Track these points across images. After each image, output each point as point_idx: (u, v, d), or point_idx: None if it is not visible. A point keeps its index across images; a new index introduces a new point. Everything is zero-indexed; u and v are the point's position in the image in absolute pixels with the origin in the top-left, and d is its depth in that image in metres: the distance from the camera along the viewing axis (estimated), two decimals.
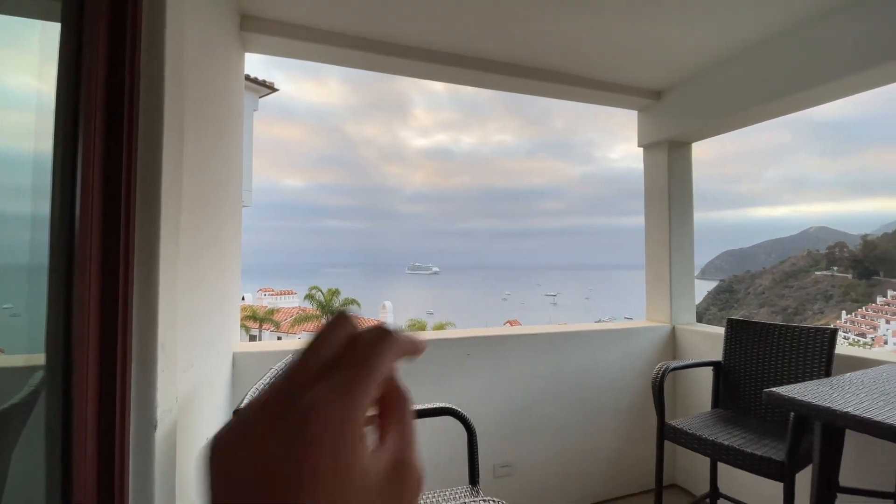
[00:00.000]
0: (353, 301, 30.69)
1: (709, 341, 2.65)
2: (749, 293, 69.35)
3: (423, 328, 24.68)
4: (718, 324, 2.67)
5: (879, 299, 46.24)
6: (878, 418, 1.23)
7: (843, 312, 48.66)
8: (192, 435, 1.26)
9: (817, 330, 1.99)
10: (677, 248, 2.97)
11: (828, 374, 1.90)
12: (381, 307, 37.64)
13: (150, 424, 0.87)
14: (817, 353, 1.95)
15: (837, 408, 1.33)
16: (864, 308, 47.14)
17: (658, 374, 2.03)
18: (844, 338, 41.93)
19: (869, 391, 1.48)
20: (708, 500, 2.28)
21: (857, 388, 1.52)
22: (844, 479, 1.90)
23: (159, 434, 0.90)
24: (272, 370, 1.28)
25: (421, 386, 2.29)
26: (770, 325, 2.17)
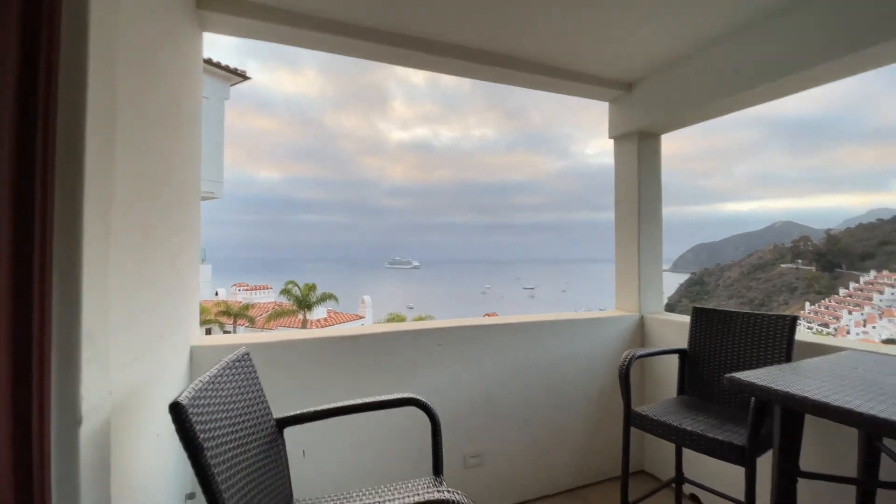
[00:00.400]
0: (330, 296, 30.29)
1: (676, 329, 2.69)
2: (718, 285, 71.55)
3: (401, 322, 24.55)
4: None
5: (842, 291, 48.31)
6: (836, 403, 1.25)
7: (807, 303, 50.66)
8: (136, 433, 1.19)
9: (778, 317, 2.03)
10: (646, 238, 3.00)
11: (788, 359, 1.94)
12: (361, 301, 37.34)
13: (73, 420, 0.80)
14: (778, 340, 1.99)
15: (796, 392, 1.34)
16: (827, 299, 49.18)
17: (624, 361, 2.04)
18: (808, 328, 43.70)
19: (828, 376, 1.50)
20: (674, 485, 2.32)
21: (817, 373, 1.55)
22: (806, 463, 1.95)
23: (86, 430, 0.83)
24: (220, 362, 1.22)
25: (393, 376, 2.25)
26: (733, 312, 2.21)
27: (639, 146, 3.02)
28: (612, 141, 3.23)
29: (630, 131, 3.03)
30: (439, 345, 2.38)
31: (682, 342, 2.44)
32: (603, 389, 2.79)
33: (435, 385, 2.35)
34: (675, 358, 2.42)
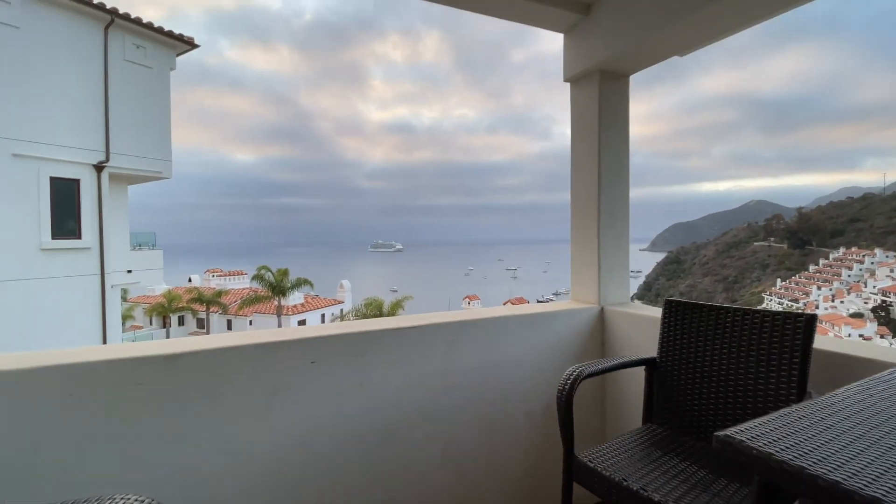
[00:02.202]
0: (305, 281, 29.33)
1: (646, 327, 2.04)
2: (694, 263, 72.76)
3: (379, 306, 23.83)
4: (666, 296, 2.06)
5: (812, 267, 49.46)
6: None
7: (779, 280, 51.79)
8: None
9: (787, 316, 1.38)
10: (608, 210, 2.32)
11: (802, 382, 1.30)
12: (339, 286, 36.60)
13: None
14: (787, 350, 1.35)
15: (824, 473, 0.69)
16: (797, 276, 50.36)
17: (565, 385, 1.37)
18: (779, 303, 44.73)
19: (883, 432, 0.85)
20: None
21: (861, 424, 0.90)
22: None
23: None
24: None
25: (234, 411, 1.54)
26: (721, 308, 1.56)
27: (600, 90, 2.32)
28: (566, 83, 2.52)
29: (589, 69, 2.32)
30: (313, 361, 1.67)
31: (653, 343, 1.79)
32: (551, 403, 2.13)
33: (303, 419, 1.65)
34: (640, 369, 1.77)
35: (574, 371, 1.40)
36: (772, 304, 45.76)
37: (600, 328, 2.27)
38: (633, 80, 2.43)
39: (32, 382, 1.29)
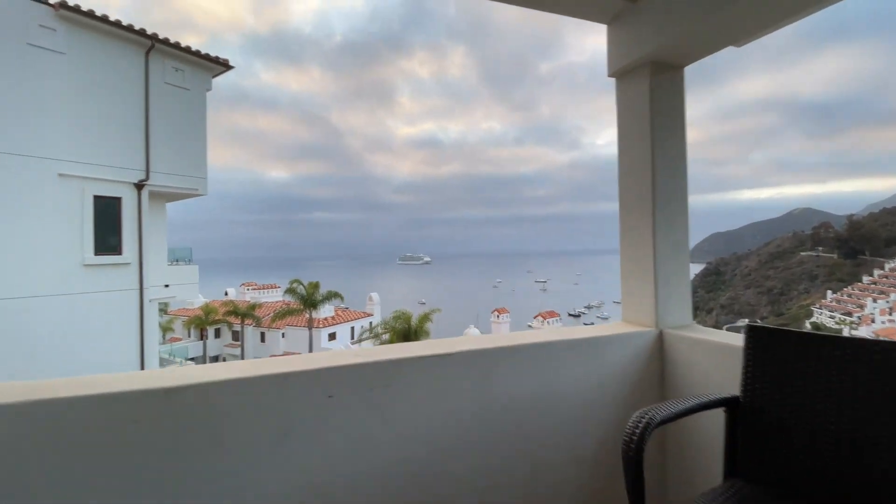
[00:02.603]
0: (335, 294, 29.64)
1: (716, 356, 1.74)
2: (735, 275, 69.64)
3: (408, 319, 23.69)
4: (706, 309, 1.75)
5: (865, 278, 46.36)
6: None
7: (829, 292, 48.78)
8: None
9: None
10: (666, 219, 2.03)
11: None
12: (368, 299, 36.89)
13: None
14: None
15: None
16: (850, 287, 47.30)
17: (633, 436, 1.10)
18: (830, 317, 42.03)
19: None
20: None
21: None
22: None
23: None
24: None
25: (242, 455, 1.35)
26: (825, 337, 1.25)
27: (651, 84, 2.05)
28: (610, 77, 2.27)
29: (638, 61, 2.07)
30: (330, 396, 1.46)
31: (729, 378, 1.49)
32: (603, 444, 1.85)
33: (321, 461, 1.43)
34: (716, 411, 1.47)
35: (643, 417, 1.13)
36: (822, 317, 43.07)
37: (659, 356, 1.97)
38: None
39: (9, 420, 1.13)
